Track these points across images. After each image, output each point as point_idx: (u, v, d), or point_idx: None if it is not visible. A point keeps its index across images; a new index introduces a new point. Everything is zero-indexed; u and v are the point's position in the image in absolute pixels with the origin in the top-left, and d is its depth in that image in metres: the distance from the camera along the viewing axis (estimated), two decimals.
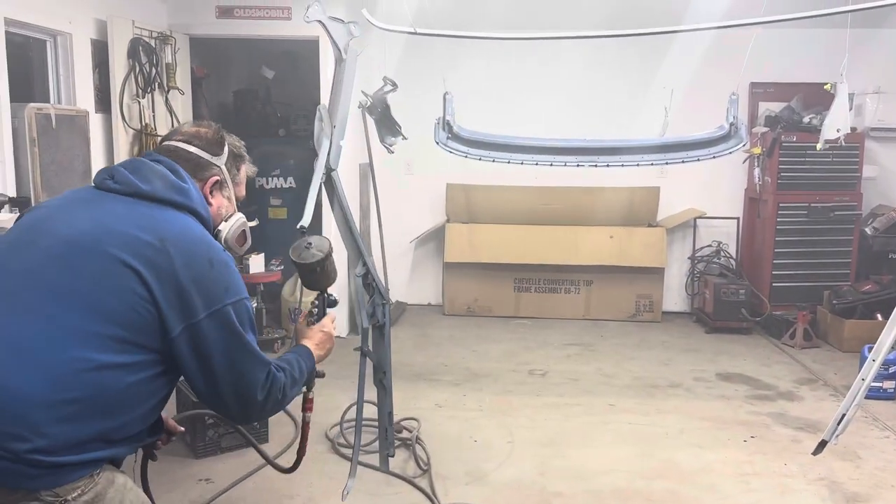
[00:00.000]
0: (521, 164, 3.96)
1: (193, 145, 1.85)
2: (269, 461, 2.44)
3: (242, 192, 2.00)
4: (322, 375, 2.11)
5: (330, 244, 2.25)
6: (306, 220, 2.50)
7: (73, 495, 1.52)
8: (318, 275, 2.15)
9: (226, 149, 1.91)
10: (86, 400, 1.52)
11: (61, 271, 1.58)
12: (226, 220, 1.91)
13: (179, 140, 1.86)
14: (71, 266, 1.59)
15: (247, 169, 2.00)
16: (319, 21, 2.59)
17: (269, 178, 6.39)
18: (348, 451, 3.81)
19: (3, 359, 1.50)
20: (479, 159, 3.94)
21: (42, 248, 1.62)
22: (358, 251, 2.88)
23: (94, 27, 4.79)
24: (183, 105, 5.69)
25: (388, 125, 3.91)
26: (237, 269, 1.76)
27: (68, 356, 1.51)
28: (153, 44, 5.24)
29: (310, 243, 2.19)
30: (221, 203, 1.90)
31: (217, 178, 1.87)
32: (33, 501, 1.49)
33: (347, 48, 2.67)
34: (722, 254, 6.80)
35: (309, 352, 2.01)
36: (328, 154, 2.63)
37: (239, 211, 1.98)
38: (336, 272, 2.25)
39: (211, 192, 1.86)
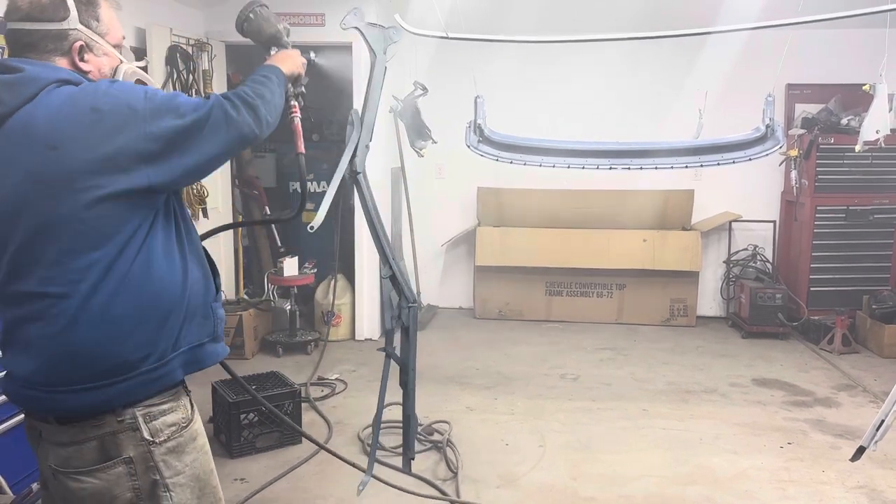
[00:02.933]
0: (553, 167, 3.94)
1: (34, 20, 1.61)
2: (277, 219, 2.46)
3: (117, 35, 1.74)
4: (301, 93, 2.14)
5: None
6: (317, 221, 2.50)
7: (161, 439, 1.63)
8: (253, 22, 2.10)
9: (71, 5, 1.63)
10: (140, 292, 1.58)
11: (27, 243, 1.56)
12: (112, 81, 1.70)
13: (19, 20, 1.62)
14: (32, 240, 1.55)
15: (108, 5, 1.72)
16: (357, 28, 2.62)
17: None
18: (381, 454, 3.84)
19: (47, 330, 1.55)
20: (511, 163, 3.93)
21: None
22: (384, 254, 2.91)
23: (133, 35, 4.89)
24: None
25: (418, 129, 3.94)
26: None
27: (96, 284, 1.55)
28: (190, 51, 5.35)
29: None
30: (99, 64, 1.69)
31: (79, 42, 1.64)
32: (133, 440, 1.60)
33: (385, 53, 2.70)
34: (758, 258, 6.70)
35: (264, 65, 1.91)
36: (351, 156, 2.66)
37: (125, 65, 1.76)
38: (276, 16, 2.13)
39: (82, 59, 1.66)
